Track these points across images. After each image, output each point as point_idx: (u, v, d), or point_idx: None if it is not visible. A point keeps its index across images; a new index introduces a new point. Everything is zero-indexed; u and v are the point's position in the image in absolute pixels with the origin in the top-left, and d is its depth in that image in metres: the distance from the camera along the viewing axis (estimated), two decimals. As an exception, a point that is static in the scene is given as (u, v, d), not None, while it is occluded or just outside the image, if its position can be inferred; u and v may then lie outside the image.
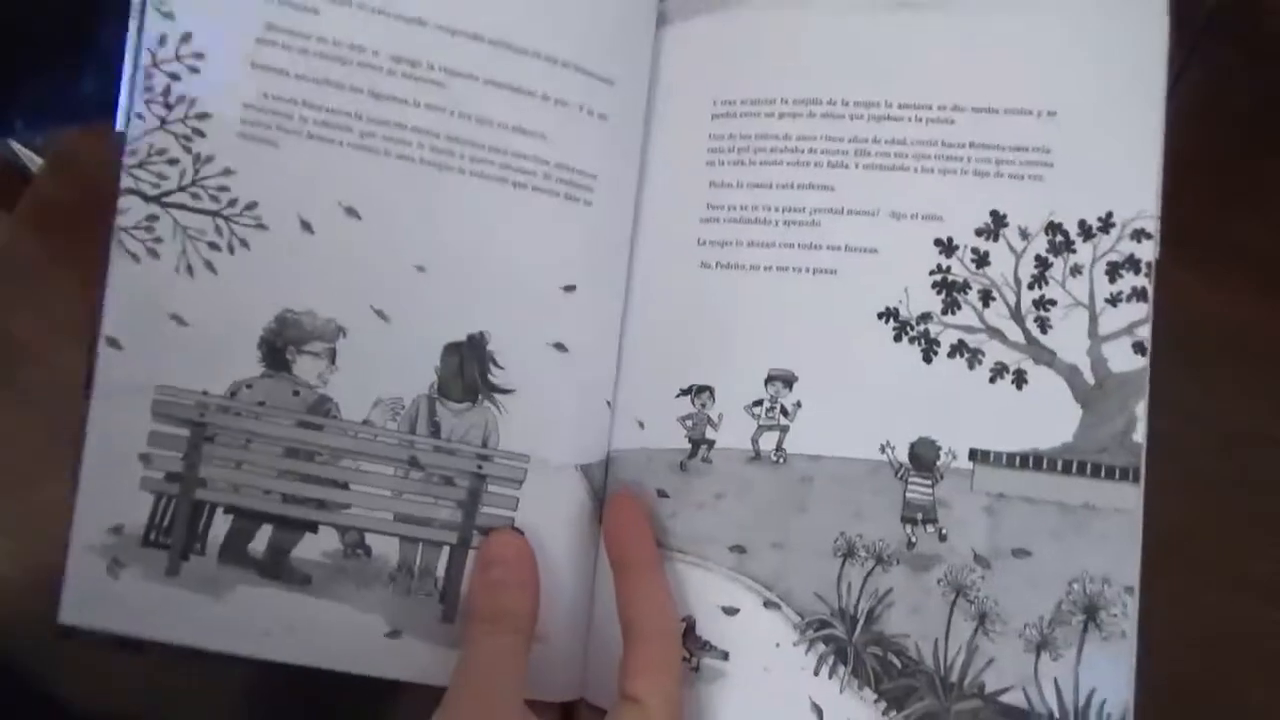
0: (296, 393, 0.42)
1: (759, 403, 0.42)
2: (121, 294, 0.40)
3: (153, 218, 0.40)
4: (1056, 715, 0.38)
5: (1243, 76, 0.52)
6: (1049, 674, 0.38)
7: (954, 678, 0.39)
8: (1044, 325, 0.41)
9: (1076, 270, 0.41)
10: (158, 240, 0.40)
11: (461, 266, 0.43)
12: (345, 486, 0.42)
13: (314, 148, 0.41)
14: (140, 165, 0.40)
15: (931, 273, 0.42)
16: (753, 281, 0.43)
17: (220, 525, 0.41)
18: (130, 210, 0.40)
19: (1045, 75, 0.42)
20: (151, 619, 0.40)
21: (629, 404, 0.44)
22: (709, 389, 0.43)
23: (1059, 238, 0.41)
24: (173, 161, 0.40)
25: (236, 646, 0.41)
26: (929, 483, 0.41)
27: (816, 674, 0.40)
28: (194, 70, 0.40)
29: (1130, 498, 0.39)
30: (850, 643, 0.40)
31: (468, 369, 0.42)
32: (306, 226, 0.41)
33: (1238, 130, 0.52)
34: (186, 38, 0.40)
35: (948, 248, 0.42)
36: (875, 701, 0.39)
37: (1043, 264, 0.41)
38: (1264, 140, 0.51)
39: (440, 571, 0.42)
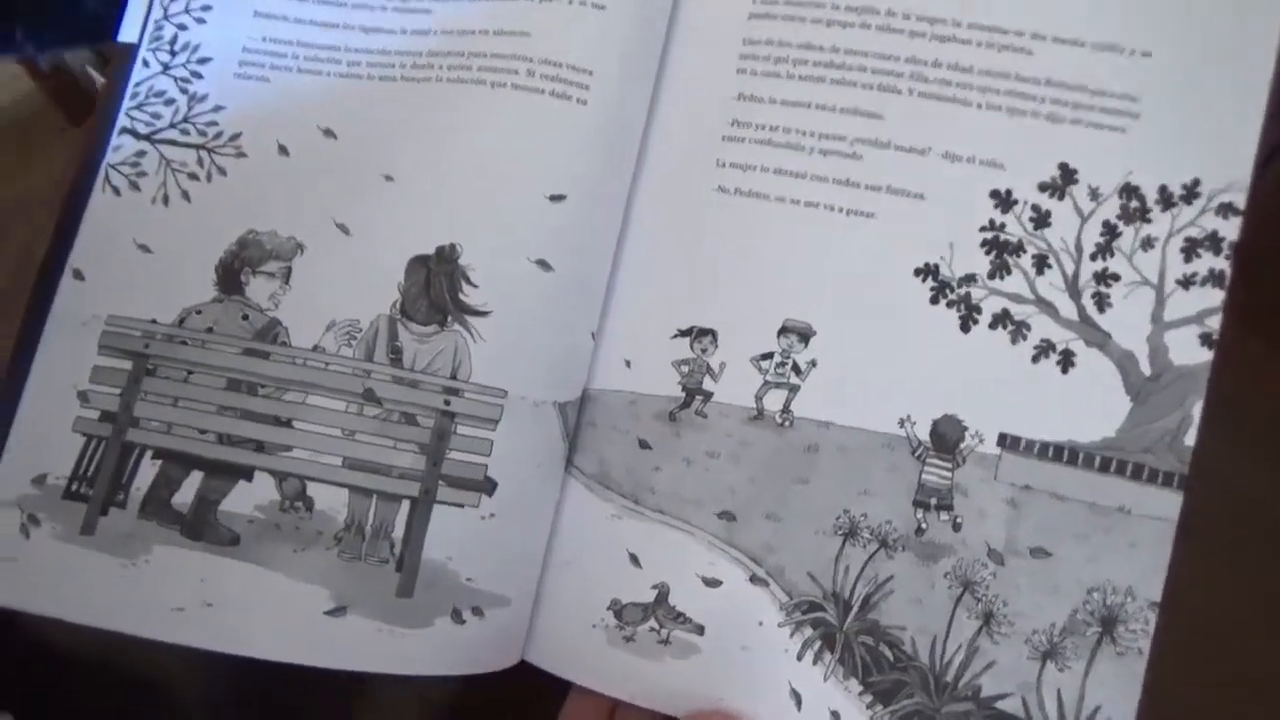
0: (246, 316, 0.38)
1: (768, 356, 0.37)
2: (95, 227, 0.39)
3: (141, 153, 0.40)
4: (1055, 729, 0.35)
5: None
6: (1052, 684, 0.35)
7: (949, 677, 0.36)
8: (1102, 303, 0.36)
9: (1148, 243, 0.35)
10: (141, 174, 0.40)
11: (432, 174, 0.38)
12: (289, 425, 0.36)
13: (302, 80, 0.40)
14: (138, 107, 0.41)
15: (982, 229, 0.36)
16: (776, 215, 0.37)
17: (147, 474, 0.37)
18: (121, 148, 0.40)
19: (1145, 6, 0.35)
20: (55, 591, 0.36)
21: (617, 338, 0.39)
22: (712, 333, 0.38)
23: (1134, 203, 0.35)
24: (169, 102, 0.40)
25: (141, 626, 0.35)
26: (949, 466, 0.36)
27: (800, 659, 0.37)
28: (200, 21, 0.41)
29: (1170, 506, 0.35)
30: (840, 629, 0.36)
31: (435, 286, 0.37)
32: (283, 150, 0.39)
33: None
34: None
35: (1005, 201, 0.36)
36: (860, 694, 0.36)
37: (1110, 232, 0.36)
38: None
39: (397, 532, 0.36)
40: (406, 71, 0.39)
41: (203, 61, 0.41)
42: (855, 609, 0.36)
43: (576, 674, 0.38)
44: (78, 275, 0.39)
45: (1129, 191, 0.35)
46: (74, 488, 0.37)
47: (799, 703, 0.36)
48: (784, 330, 0.37)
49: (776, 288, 0.37)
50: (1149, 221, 0.35)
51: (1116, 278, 0.35)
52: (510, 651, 0.38)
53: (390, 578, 0.36)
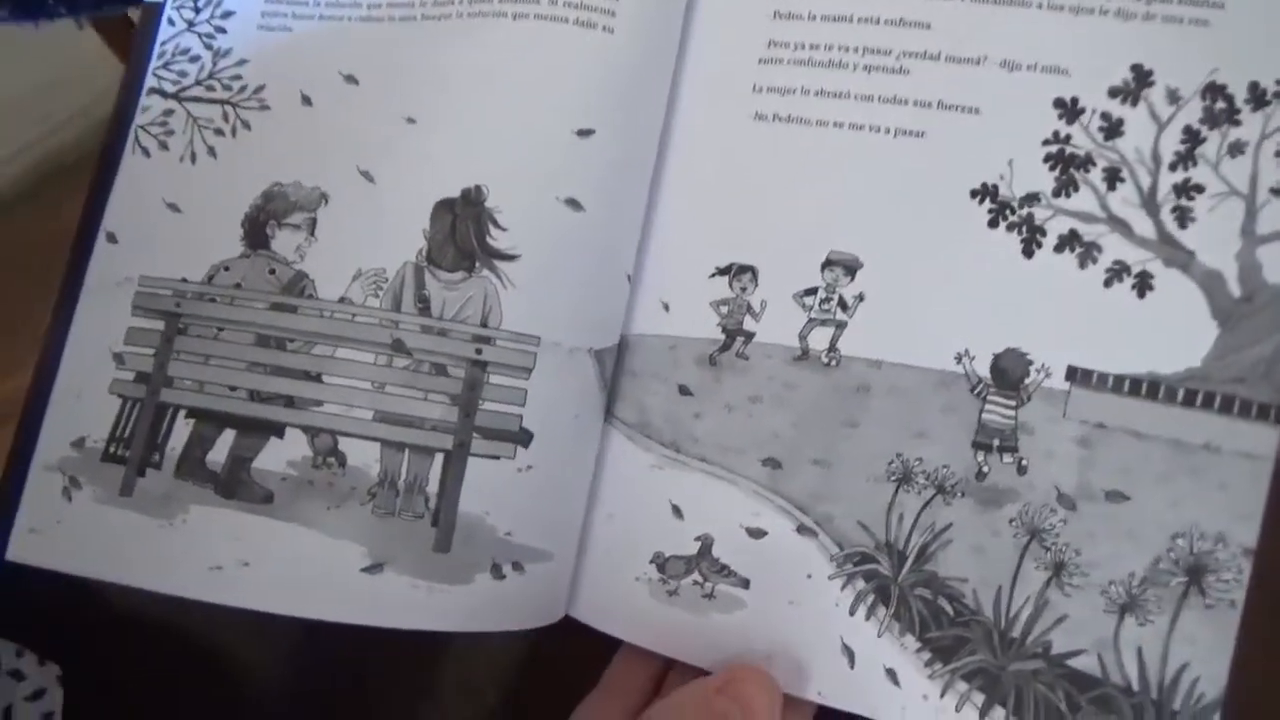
0: (273, 270, 0.37)
1: (812, 291, 0.35)
2: (127, 189, 0.40)
3: (169, 113, 0.40)
4: (1135, 689, 0.31)
5: None
6: (1132, 641, 0.32)
7: (1015, 633, 0.33)
8: (1184, 217, 0.32)
9: (1237, 148, 0.32)
10: (169, 133, 0.40)
11: (454, 113, 0.36)
12: (318, 379, 0.36)
13: (323, 27, 0.40)
14: (165, 66, 0.41)
15: (1046, 142, 0.33)
16: (817, 141, 0.35)
17: (181, 434, 0.37)
18: (150, 108, 0.40)
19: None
20: (96, 553, 0.36)
21: (654, 281, 0.37)
22: (751, 270, 0.36)
23: (1220, 104, 0.32)
24: (194, 59, 0.40)
25: (180, 586, 0.35)
26: (1012, 404, 0.33)
27: (852, 614, 0.34)
28: None
29: (1266, 441, 0.31)
30: (895, 582, 0.34)
31: (461, 230, 0.35)
32: (307, 100, 0.39)
33: None
34: None
35: (1071, 111, 0.33)
36: (918, 650, 0.33)
37: (1193, 138, 0.32)
38: None
39: (432, 487, 0.35)
40: (427, 10, 0.38)
41: (226, 16, 0.41)
42: (911, 560, 0.34)
43: (620, 629, 0.37)
44: (111, 238, 0.39)
45: (1214, 91, 0.32)
46: (112, 450, 0.37)
47: (851, 660, 0.34)
48: (828, 263, 0.35)
49: (819, 219, 0.35)
50: (1238, 124, 0.31)
51: (1200, 189, 0.32)
52: (554, 607, 0.37)
53: (426, 533, 0.35)
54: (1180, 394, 0.32)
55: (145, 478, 0.36)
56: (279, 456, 0.36)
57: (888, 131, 0.34)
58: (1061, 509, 0.33)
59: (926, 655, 0.33)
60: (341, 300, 0.36)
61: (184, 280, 0.38)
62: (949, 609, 0.33)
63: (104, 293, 0.39)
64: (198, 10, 0.41)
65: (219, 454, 0.36)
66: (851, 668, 0.34)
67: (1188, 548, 0.31)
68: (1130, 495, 0.32)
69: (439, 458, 0.35)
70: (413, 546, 0.35)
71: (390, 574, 0.34)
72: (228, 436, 0.36)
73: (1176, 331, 0.32)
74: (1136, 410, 0.32)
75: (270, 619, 0.34)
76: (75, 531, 0.37)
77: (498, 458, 0.35)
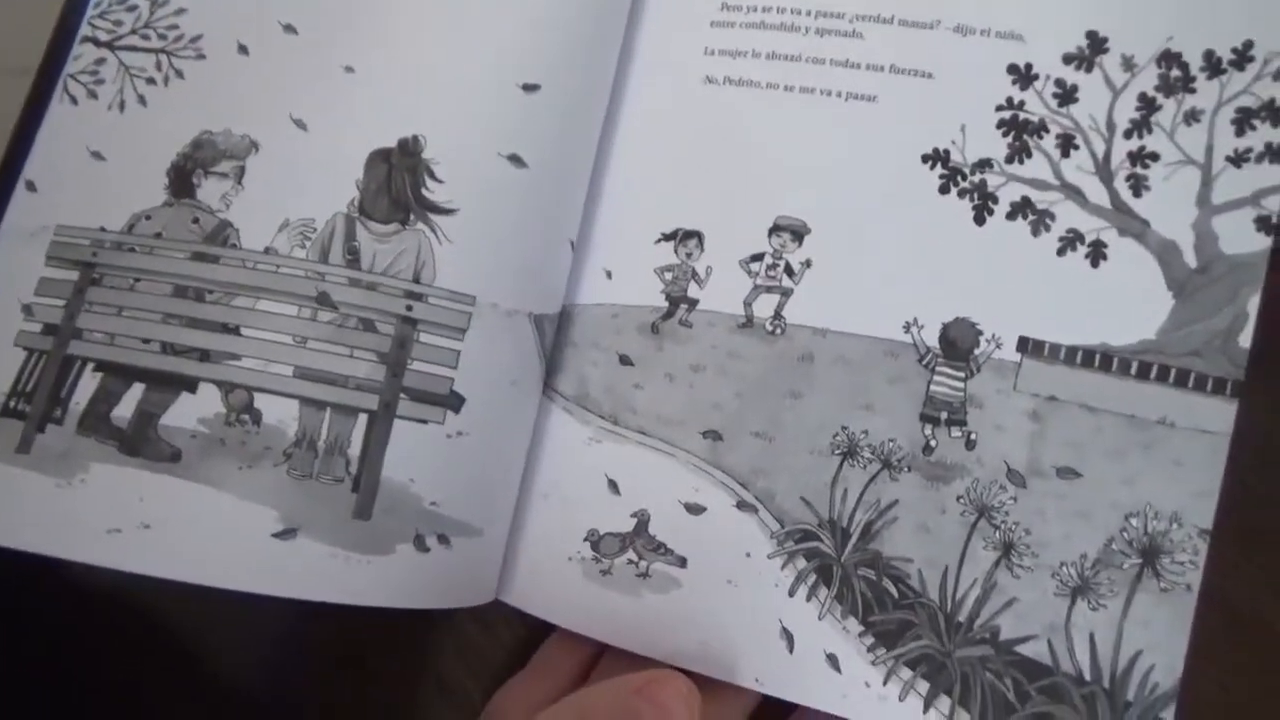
0: (196, 220, 0.35)
1: (759, 258, 0.34)
2: (50, 137, 0.38)
3: (100, 61, 0.38)
4: (1087, 677, 0.30)
5: None
6: (1084, 626, 0.30)
7: (962, 616, 0.31)
8: (1139, 186, 0.31)
9: (1193, 117, 0.31)
10: (99, 82, 0.38)
11: (394, 62, 0.35)
12: (236, 332, 0.34)
13: None
14: (100, 15, 0.39)
15: (999, 108, 0.32)
16: (767, 104, 0.34)
17: (87, 388, 0.34)
18: (81, 56, 0.38)
19: None
20: None
21: (598, 247, 0.36)
22: (698, 235, 0.34)
23: (1175, 72, 0.31)
24: (131, 9, 0.39)
25: (74, 550, 0.33)
26: (961, 375, 0.32)
27: (792, 595, 0.32)
28: None
29: (1222, 417, 0.30)
30: (838, 561, 0.32)
31: (396, 181, 0.34)
32: (243, 50, 0.37)
33: None
34: None
35: (1024, 77, 0.32)
36: (861, 635, 0.32)
37: (1148, 105, 0.31)
38: None
39: (354, 449, 0.33)
40: None
41: None
42: (854, 538, 0.32)
43: (551, 612, 0.35)
44: (30, 187, 0.37)
45: (1169, 59, 0.31)
46: (11, 404, 0.35)
47: (790, 644, 0.32)
48: (776, 229, 0.34)
49: (767, 183, 0.34)
50: (1193, 91, 0.31)
51: (1155, 157, 0.31)
52: (482, 587, 0.35)
53: (346, 498, 0.33)
54: (1134, 366, 0.30)
55: (45, 434, 0.34)
56: (190, 413, 0.33)
57: (839, 95, 0.33)
58: (1011, 486, 0.31)
59: (869, 640, 0.32)
60: (266, 251, 0.34)
61: (102, 230, 0.36)
62: (893, 591, 0.32)
63: (17, 241, 0.36)
64: None
65: (125, 410, 0.34)
66: (791, 652, 0.32)
67: (1141, 528, 0.30)
68: (1082, 472, 0.31)
69: (363, 419, 0.33)
70: (330, 512, 0.32)
71: (304, 540, 0.32)
72: (136, 391, 0.34)
73: (1131, 302, 0.31)
74: (1089, 383, 0.31)
75: (234, 597, 0.32)
76: None
77: (426, 422, 0.33)
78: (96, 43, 0.39)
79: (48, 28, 0.40)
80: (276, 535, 0.32)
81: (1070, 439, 0.31)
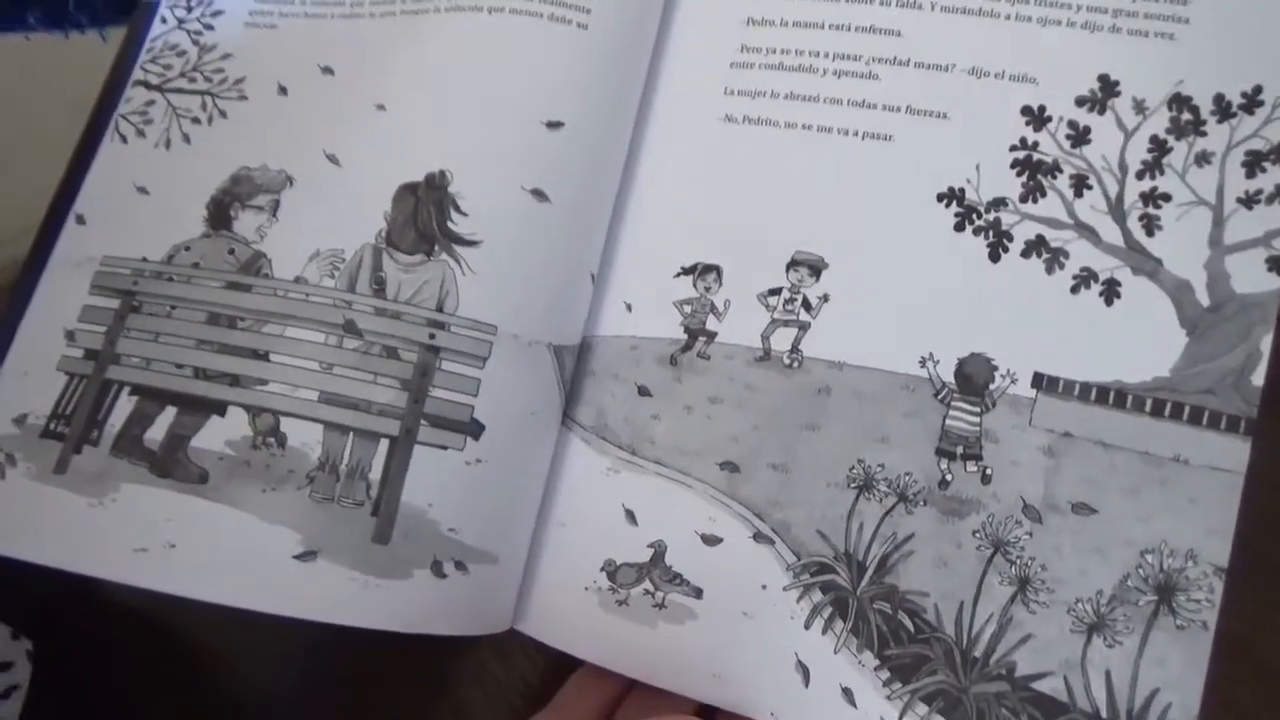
0: (232, 250, 0.37)
1: (776, 291, 0.34)
2: (101, 174, 0.40)
3: (150, 103, 0.41)
4: (1104, 715, 0.30)
5: None
6: (1100, 663, 0.30)
7: (978, 652, 0.31)
8: (1151, 226, 0.32)
9: (1204, 159, 0.31)
10: (148, 121, 0.40)
11: (424, 101, 0.36)
12: (266, 358, 0.35)
13: (308, 24, 0.40)
14: (152, 60, 0.41)
15: (1013, 148, 0.33)
16: (786, 143, 0.35)
17: (123, 411, 0.36)
18: (133, 99, 0.41)
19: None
20: (24, 532, 0.35)
21: (619, 280, 0.37)
22: (716, 269, 0.35)
23: (1185, 115, 0.32)
24: (181, 54, 0.41)
25: (102, 568, 0.33)
26: (976, 410, 0.32)
27: (807, 627, 0.33)
28: None
29: (1236, 455, 0.30)
30: (854, 594, 0.32)
31: (422, 214, 0.35)
32: (283, 90, 0.39)
33: None
34: None
35: (1038, 118, 0.33)
36: (876, 669, 0.32)
37: (1159, 147, 0.32)
38: None
39: (375, 474, 0.34)
40: (407, 5, 0.38)
41: (216, 15, 0.41)
42: (870, 571, 0.32)
43: (567, 642, 0.35)
44: (79, 220, 0.39)
45: (1179, 103, 0.32)
46: (52, 426, 0.36)
47: (806, 677, 0.32)
48: (794, 263, 0.34)
49: (786, 219, 0.35)
50: (1203, 134, 0.31)
51: (1167, 198, 0.32)
52: (498, 615, 0.35)
53: (365, 522, 0.33)
54: (1148, 404, 0.31)
55: (81, 455, 0.35)
56: (218, 435, 0.34)
57: (856, 134, 0.34)
58: (1027, 521, 0.31)
59: (885, 674, 0.32)
60: (296, 280, 0.35)
61: (144, 260, 0.37)
62: (909, 624, 0.32)
63: (65, 272, 0.38)
64: (189, 9, 0.42)
65: (158, 432, 0.35)
66: (806, 685, 0.32)
67: (1157, 565, 0.30)
68: (1098, 508, 0.31)
69: (384, 444, 0.34)
70: (350, 535, 0.33)
71: (324, 563, 0.32)
72: (169, 414, 0.35)
73: (1144, 340, 0.31)
74: (1104, 420, 0.31)
75: (260, 617, 0.32)
76: (5, 510, 0.35)
77: (446, 448, 0.34)
78: (148, 86, 0.41)
79: (103, 69, 0.42)
80: (297, 557, 0.33)
81: (1085, 475, 0.31)
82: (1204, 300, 0.31)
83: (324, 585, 0.32)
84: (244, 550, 0.33)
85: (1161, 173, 0.32)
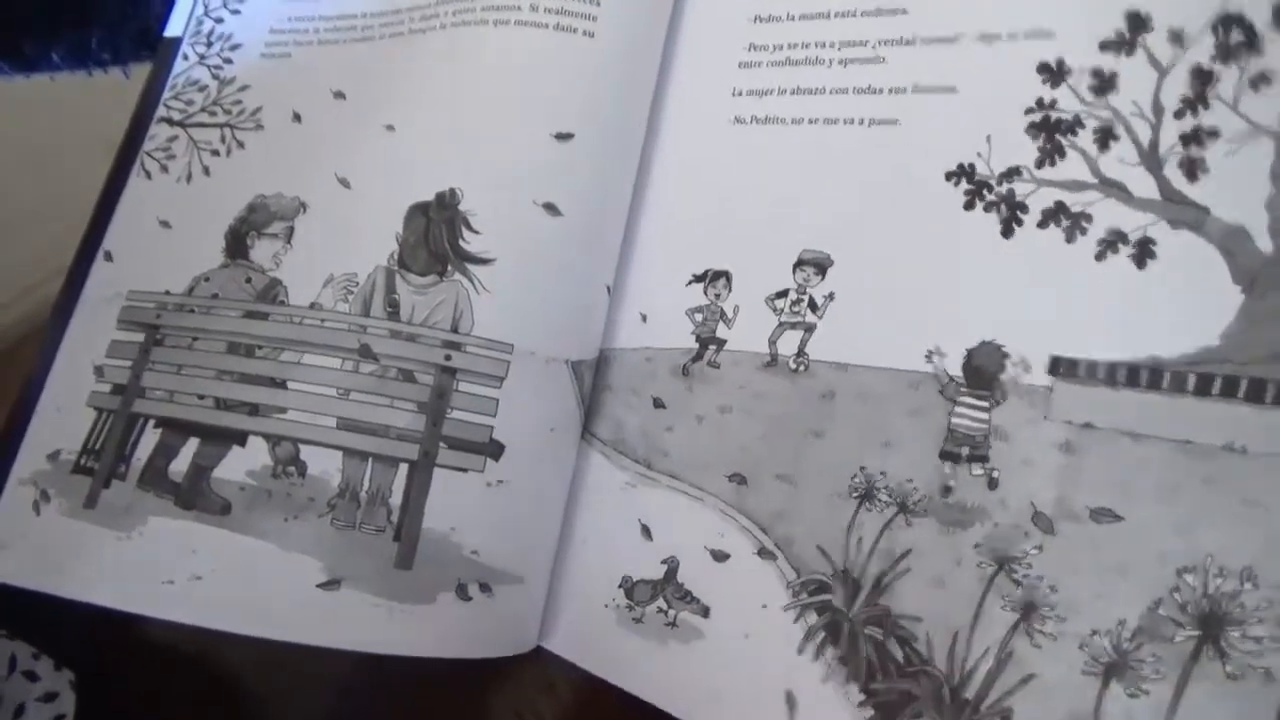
0: (249, 279, 0.37)
1: (783, 294, 0.33)
2: (128, 210, 0.41)
3: (173, 138, 0.41)
4: (1128, 788, 0.22)
5: None
6: (1118, 717, 0.23)
7: (969, 693, 0.25)
8: (1194, 169, 0.25)
9: (1261, 80, 0.25)
10: (170, 157, 0.41)
11: (432, 118, 0.36)
12: (284, 386, 0.35)
13: (321, 50, 0.41)
14: (175, 97, 0.42)
15: (1028, 111, 0.29)
16: (791, 138, 0.34)
17: (148, 443, 0.36)
18: (157, 135, 0.42)
19: None
20: (56, 568, 0.35)
21: (634, 291, 0.36)
22: (725, 275, 0.34)
23: (1235, 36, 0.26)
24: (202, 89, 0.42)
25: (130, 601, 0.34)
26: (984, 404, 0.27)
27: (800, 651, 0.29)
28: (235, 12, 0.43)
29: (1314, 441, 0.22)
30: (847, 616, 0.28)
31: (433, 234, 0.35)
32: (297, 118, 0.40)
33: None
34: None
35: (1056, 74, 0.28)
36: (860, 704, 0.27)
37: (1203, 79, 0.26)
38: None
39: (395, 499, 0.33)
40: (414, 24, 0.39)
41: (234, 48, 0.42)
42: (865, 590, 0.28)
43: (587, 659, 0.34)
44: (108, 257, 0.40)
45: (1227, 24, 0.26)
46: (82, 461, 0.37)
47: (793, 709, 0.28)
48: (799, 263, 0.32)
49: (791, 218, 0.33)
50: (1259, 53, 0.25)
51: (1214, 134, 0.25)
52: (525, 636, 0.34)
53: (387, 548, 0.32)
54: (1191, 381, 0.24)
55: (110, 489, 0.36)
56: (240, 466, 0.34)
57: (861, 122, 0.32)
58: (1037, 531, 0.25)
59: (868, 711, 0.27)
60: (311, 306, 0.36)
61: (167, 293, 0.38)
62: (898, 654, 0.27)
63: (94, 309, 0.39)
64: (209, 45, 0.43)
65: (182, 464, 0.35)
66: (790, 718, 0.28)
67: (1200, 587, 0.23)
68: (1123, 515, 0.24)
69: (403, 468, 0.33)
70: (373, 562, 0.32)
71: (348, 591, 0.32)
72: (192, 445, 0.36)
73: (1187, 304, 0.25)
74: (1134, 405, 0.25)
75: (292, 648, 0.32)
76: (39, 546, 0.36)
77: (466, 470, 0.33)
78: (170, 122, 0.42)
79: (127, 106, 0.43)
80: (321, 586, 0.32)
81: (1109, 474, 0.25)
82: (1265, 246, 0.24)
83: (349, 613, 0.32)
84: (268, 581, 0.33)
85: (1207, 106, 0.26)
